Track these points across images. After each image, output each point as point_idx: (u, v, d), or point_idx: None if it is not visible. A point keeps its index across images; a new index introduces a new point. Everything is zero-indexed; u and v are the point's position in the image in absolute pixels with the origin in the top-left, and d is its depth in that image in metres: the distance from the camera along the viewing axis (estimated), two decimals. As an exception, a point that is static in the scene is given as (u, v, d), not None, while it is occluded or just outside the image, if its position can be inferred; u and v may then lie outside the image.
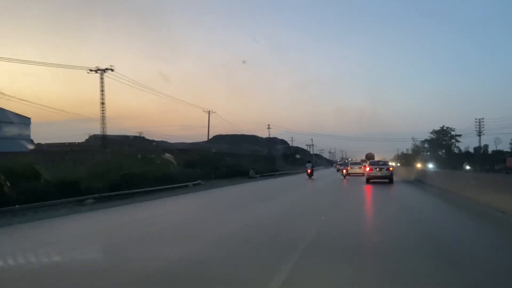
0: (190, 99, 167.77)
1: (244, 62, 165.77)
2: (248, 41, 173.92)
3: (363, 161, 53.65)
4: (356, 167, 36.67)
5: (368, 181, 24.97)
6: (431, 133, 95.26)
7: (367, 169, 26.23)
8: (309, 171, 32.08)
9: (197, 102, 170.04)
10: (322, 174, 46.48)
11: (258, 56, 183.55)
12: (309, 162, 35.93)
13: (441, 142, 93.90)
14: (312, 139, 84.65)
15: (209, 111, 44.00)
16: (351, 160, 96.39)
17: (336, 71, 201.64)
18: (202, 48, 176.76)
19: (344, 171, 32.22)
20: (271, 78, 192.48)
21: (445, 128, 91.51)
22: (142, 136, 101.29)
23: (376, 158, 50.10)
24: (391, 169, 25.83)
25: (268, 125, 74.76)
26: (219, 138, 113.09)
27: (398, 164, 58.10)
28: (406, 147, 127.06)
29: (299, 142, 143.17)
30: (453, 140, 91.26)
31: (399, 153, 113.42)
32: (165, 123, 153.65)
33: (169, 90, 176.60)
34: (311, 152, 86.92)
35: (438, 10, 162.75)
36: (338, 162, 65.87)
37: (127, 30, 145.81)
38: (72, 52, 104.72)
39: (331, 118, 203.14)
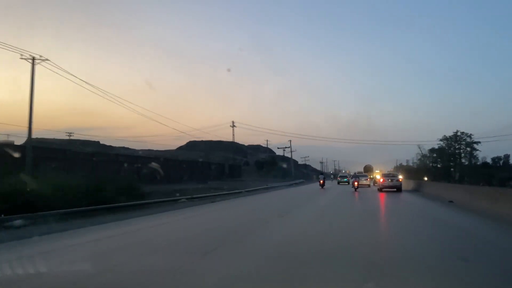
0: (174, 104, 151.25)
1: (229, 70, 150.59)
2: (235, 43, 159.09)
3: (359, 173, 53.73)
4: (363, 179, 39.33)
5: (381, 190, 29.04)
6: (440, 139, 79.10)
7: (381, 180, 30.25)
8: (321, 182, 35.91)
9: (178, 105, 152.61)
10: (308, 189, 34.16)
11: (245, 62, 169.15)
12: (321, 174, 43.89)
13: (454, 151, 77.73)
14: (290, 141, 67.86)
15: (33, 58, 21.15)
16: (344, 172, 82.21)
17: (328, 78, 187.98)
18: (183, 50, 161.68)
19: (356, 183, 31.24)
20: (257, 84, 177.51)
21: (459, 133, 75.42)
22: (97, 141, 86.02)
23: (375, 170, 56.83)
24: (400, 180, 29.59)
25: (233, 122, 58.77)
26: (193, 145, 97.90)
27: (426, 178, 44.36)
28: (406, 157, 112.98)
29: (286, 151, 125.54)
30: (468, 149, 75.10)
31: (398, 164, 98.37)
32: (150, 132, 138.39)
33: (150, 99, 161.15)
34: (291, 157, 70.40)
35: (444, 11, 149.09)
36: (339, 174, 62.80)
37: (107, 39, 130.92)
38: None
39: (323, 127, 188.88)
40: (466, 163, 77.41)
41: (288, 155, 72.18)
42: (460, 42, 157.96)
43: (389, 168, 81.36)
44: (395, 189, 28.29)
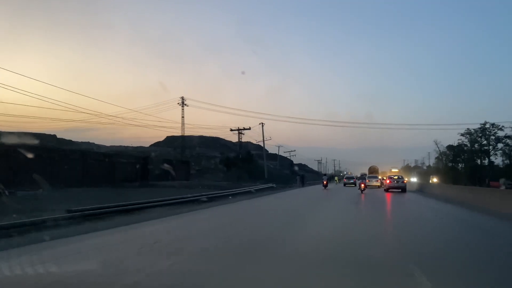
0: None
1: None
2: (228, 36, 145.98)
3: (364, 174, 55.73)
4: (373, 180, 40.90)
5: (387, 190, 30.74)
6: (462, 134, 64.00)
7: (388, 181, 32.23)
8: (325, 182, 36.84)
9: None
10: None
11: (239, 55, 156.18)
12: (325, 175, 47.44)
13: (480, 148, 62.51)
14: (262, 123, 50.05)
15: None
16: (346, 173, 76.23)
17: (328, 74, 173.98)
18: (169, 41, 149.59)
19: (362, 185, 29.61)
20: (252, 78, 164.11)
21: (487, 126, 60.22)
22: (53, 134, 74.46)
23: (380, 171, 62.44)
24: (405, 181, 32.01)
25: (182, 98, 46.47)
26: (171, 141, 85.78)
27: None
28: (414, 157, 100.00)
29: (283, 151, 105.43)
30: (500, 144, 59.86)
31: (405, 165, 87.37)
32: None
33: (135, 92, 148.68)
34: (263, 147, 54.27)
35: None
36: (346, 176, 60.62)
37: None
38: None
39: (322, 125, 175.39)
40: (499, 162, 62.23)
41: (247, 140, 57.98)
42: (478, 30, 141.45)
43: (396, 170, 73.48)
44: (400, 190, 30.30)
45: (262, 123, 49.91)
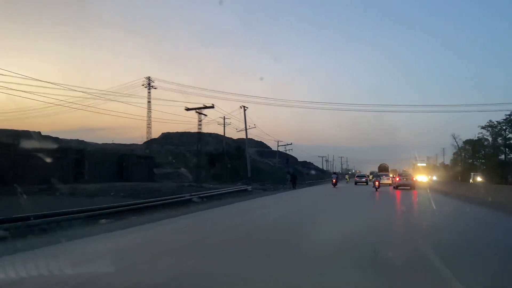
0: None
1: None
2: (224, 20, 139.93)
3: (373, 172, 55.51)
4: (385, 178, 41.24)
5: (397, 187, 32.65)
6: (483, 127, 56.64)
7: (397, 179, 34.45)
8: (334, 181, 37.30)
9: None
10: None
11: (239, 47, 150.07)
12: (334, 173, 48.48)
13: (504, 142, 55.15)
14: (244, 107, 42.37)
15: None
16: (354, 172, 73.06)
17: (332, 66, 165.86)
18: (163, 31, 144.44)
19: (377, 183, 30.45)
20: (249, 68, 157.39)
21: (513, 117, 52.77)
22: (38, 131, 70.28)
23: (391, 169, 64.32)
24: (413, 178, 34.28)
25: (149, 78, 41.23)
26: (167, 137, 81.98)
27: None
28: (426, 154, 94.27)
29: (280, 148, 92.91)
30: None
31: (414, 163, 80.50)
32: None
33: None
34: (246, 137, 45.11)
35: None
36: (357, 174, 59.56)
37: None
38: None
39: (327, 121, 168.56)
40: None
41: (211, 126, 50.37)
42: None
43: (405, 167, 69.52)
44: (408, 187, 31.83)
45: (243, 107, 42.34)
